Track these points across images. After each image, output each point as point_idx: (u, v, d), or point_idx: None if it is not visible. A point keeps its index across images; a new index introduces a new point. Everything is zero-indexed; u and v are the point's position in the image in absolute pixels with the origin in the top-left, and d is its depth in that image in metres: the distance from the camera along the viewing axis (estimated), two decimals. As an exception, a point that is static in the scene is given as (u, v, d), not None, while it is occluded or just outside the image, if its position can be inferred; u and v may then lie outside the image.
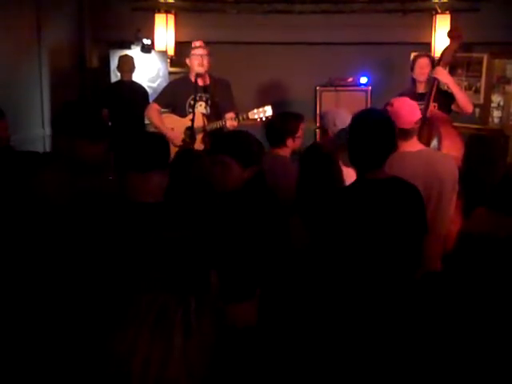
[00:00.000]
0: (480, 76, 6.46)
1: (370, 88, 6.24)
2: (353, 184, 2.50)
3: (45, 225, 2.28)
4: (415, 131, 2.92)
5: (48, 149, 5.66)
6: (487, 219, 2.54)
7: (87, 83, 6.55)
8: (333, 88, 6.25)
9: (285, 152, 3.46)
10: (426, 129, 3.61)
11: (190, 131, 4.21)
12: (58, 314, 2.15)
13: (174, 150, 3.25)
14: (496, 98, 6.42)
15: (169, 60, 6.42)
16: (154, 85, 6.21)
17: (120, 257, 2.04)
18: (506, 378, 2.35)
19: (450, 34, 4.04)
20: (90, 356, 1.98)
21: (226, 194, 2.43)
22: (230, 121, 4.19)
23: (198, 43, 4.33)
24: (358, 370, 2.35)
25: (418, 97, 4.01)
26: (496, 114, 6.43)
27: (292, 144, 3.45)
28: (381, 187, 2.38)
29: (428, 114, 3.75)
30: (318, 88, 6.30)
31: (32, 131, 5.38)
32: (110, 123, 5.44)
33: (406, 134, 2.80)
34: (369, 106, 6.05)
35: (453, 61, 4.93)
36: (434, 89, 3.90)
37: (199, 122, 4.23)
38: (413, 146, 2.89)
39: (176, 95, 4.42)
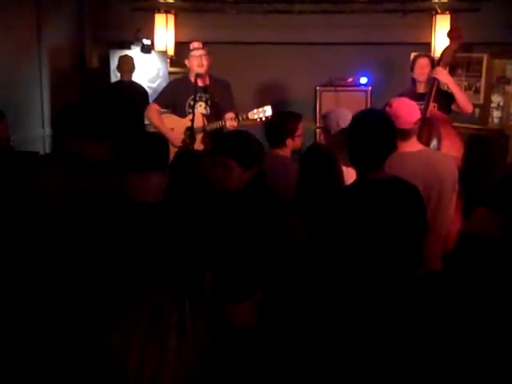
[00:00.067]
0: (480, 76, 6.46)
1: (369, 88, 6.24)
2: (353, 184, 2.50)
3: (44, 224, 2.29)
4: (415, 131, 2.92)
5: (48, 149, 5.66)
6: (487, 219, 2.54)
7: (87, 83, 6.56)
8: (333, 88, 6.25)
9: (285, 152, 3.46)
10: (426, 129, 3.61)
11: (190, 131, 4.21)
12: (55, 313, 2.15)
13: (173, 151, 3.24)
14: (496, 98, 6.42)
15: (169, 60, 6.42)
16: (154, 85, 6.21)
17: (117, 256, 2.04)
18: (506, 378, 2.35)
19: (449, 34, 4.04)
20: (85, 355, 1.98)
21: (227, 195, 2.43)
22: (229, 121, 4.19)
23: (195, 44, 4.32)
24: (358, 370, 2.35)
25: (417, 97, 4.01)
26: (496, 114, 6.43)
27: (292, 144, 3.45)
28: (381, 187, 2.38)
29: (428, 114, 3.75)
30: (318, 88, 6.30)
31: (32, 131, 5.38)
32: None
33: (405, 135, 2.80)
34: (369, 106, 6.05)
35: (453, 61, 4.94)
36: (434, 89, 3.90)
37: (199, 122, 4.23)
38: (412, 146, 2.89)
39: (176, 95, 4.42)
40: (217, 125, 4.22)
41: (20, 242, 2.33)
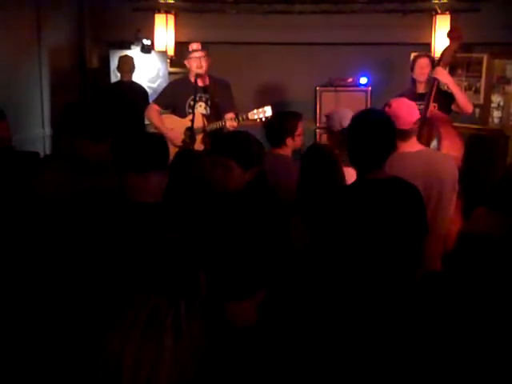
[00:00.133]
0: (480, 76, 6.46)
1: (369, 88, 6.24)
2: (353, 184, 2.51)
3: (44, 224, 2.29)
4: (414, 131, 2.92)
5: (48, 149, 5.66)
6: (487, 219, 2.54)
7: (87, 83, 6.56)
8: (333, 88, 6.25)
9: (285, 151, 3.46)
10: (426, 129, 3.61)
11: (190, 132, 4.22)
12: (53, 312, 2.15)
13: (173, 151, 3.25)
14: (496, 99, 6.42)
15: (169, 60, 6.42)
16: (154, 85, 6.21)
17: (115, 256, 2.04)
18: (506, 378, 2.35)
19: (449, 35, 4.04)
20: (81, 355, 1.98)
21: (227, 195, 2.43)
22: (229, 121, 4.19)
23: (195, 46, 4.32)
24: (358, 370, 2.35)
25: (417, 97, 4.02)
26: (496, 114, 6.43)
27: (292, 143, 3.45)
28: (381, 187, 2.38)
29: (428, 115, 3.75)
30: (318, 88, 6.30)
31: (32, 131, 5.38)
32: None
33: (405, 135, 2.80)
34: (369, 106, 6.05)
35: (453, 61, 4.94)
36: (434, 89, 3.91)
37: (199, 122, 4.24)
38: (412, 146, 2.89)
39: (176, 96, 4.42)
40: (217, 125, 4.22)
41: (20, 241, 2.33)
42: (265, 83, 6.50)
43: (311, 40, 6.33)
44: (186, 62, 4.38)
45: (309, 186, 2.86)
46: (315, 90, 6.31)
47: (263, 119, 4.09)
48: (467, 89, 6.43)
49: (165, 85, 5.11)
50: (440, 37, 5.91)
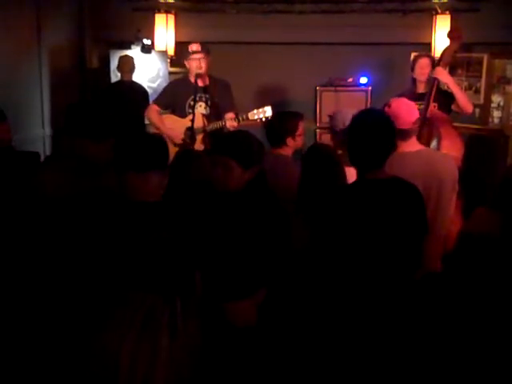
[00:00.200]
0: (480, 76, 6.46)
1: (370, 88, 6.23)
2: (353, 184, 2.51)
3: (44, 224, 2.29)
4: (414, 131, 2.92)
5: (48, 149, 5.66)
6: (487, 219, 2.54)
7: (87, 83, 6.55)
8: (333, 88, 6.24)
9: (286, 151, 3.45)
10: (426, 129, 3.61)
11: (190, 132, 4.21)
12: (51, 311, 2.15)
13: (173, 151, 3.24)
14: (496, 98, 6.42)
15: (169, 60, 6.42)
16: (154, 85, 6.21)
17: (113, 255, 2.04)
18: (506, 378, 2.35)
19: (449, 35, 4.04)
20: (79, 354, 1.98)
21: (227, 195, 2.43)
22: (229, 121, 4.19)
23: (194, 47, 4.30)
24: (358, 370, 2.35)
25: (418, 97, 4.02)
26: (496, 114, 6.43)
27: (293, 143, 3.45)
28: (381, 187, 2.38)
29: (428, 114, 3.75)
30: (318, 88, 6.29)
31: (32, 131, 5.38)
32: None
33: (404, 135, 2.80)
34: (369, 106, 6.04)
35: (453, 61, 4.94)
36: (434, 89, 3.91)
37: (199, 122, 4.23)
38: (412, 146, 2.89)
39: (176, 96, 4.42)
40: (217, 125, 4.22)
41: (20, 241, 2.33)
42: (265, 83, 6.50)
43: (311, 40, 6.33)
44: (185, 62, 4.38)
45: (310, 187, 2.86)
46: (315, 90, 6.30)
47: (263, 119, 4.08)
48: (467, 89, 6.42)
49: (165, 85, 5.11)
50: (440, 37, 5.91)
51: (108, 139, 2.44)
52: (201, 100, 4.36)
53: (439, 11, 6.11)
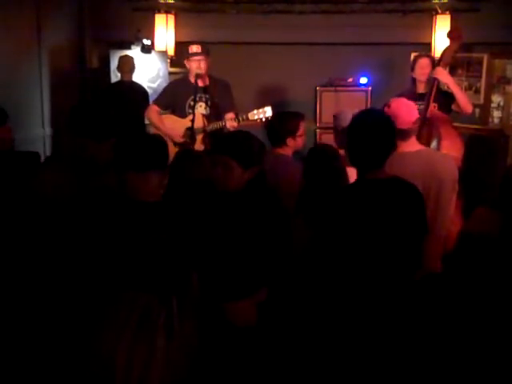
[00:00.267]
0: (480, 76, 6.46)
1: (370, 88, 6.23)
2: (353, 184, 2.51)
3: (44, 224, 2.29)
4: (414, 131, 2.92)
5: (48, 149, 5.66)
6: (487, 219, 2.54)
7: (87, 83, 6.56)
8: (333, 88, 6.24)
9: (286, 151, 3.45)
10: (426, 129, 3.61)
11: (190, 132, 4.22)
12: (50, 313, 2.15)
13: (173, 151, 3.25)
14: (496, 98, 6.42)
15: (169, 60, 6.42)
16: (154, 85, 6.21)
17: (110, 254, 2.04)
18: (506, 378, 2.35)
19: (450, 35, 4.04)
20: (74, 354, 1.98)
21: (228, 195, 2.43)
22: (230, 121, 4.19)
23: (194, 49, 4.29)
24: (358, 370, 2.35)
25: (418, 97, 4.02)
26: (496, 114, 6.43)
27: (293, 143, 3.45)
28: (381, 187, 2.38)
29: (428, 114, 3.75)
30: (318, 88, 6.30)
31: (32, 131, 5.38)
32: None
33: (404, 135, 2.80)
34: (369, 106, 6.05)
35: (453, 61, 4.94)
36: (434, 89, 3.91)
37: (199, 122, 4.24)
38: (411, 146, 2.89)
39: (176, 96, 4.42)
40: (217, 125, 4.22)
41: (20, 241, 2.33)
42: (265, 83, 6.50)
43: (311, 40, 6.33)
44: (185, 63, 4.38)
45: (312, 187, 2.86)
46: (315, 90, 6.31)
47: (263, 119, 4.08)
48: (467, 89, 6.43)
49: (165, 85, 5.11)
50: (440, 37, 5.92)
51: (109, 139, 2.44)
52: (201, 100, 4.36)
53: (439, 11, 6.12)
